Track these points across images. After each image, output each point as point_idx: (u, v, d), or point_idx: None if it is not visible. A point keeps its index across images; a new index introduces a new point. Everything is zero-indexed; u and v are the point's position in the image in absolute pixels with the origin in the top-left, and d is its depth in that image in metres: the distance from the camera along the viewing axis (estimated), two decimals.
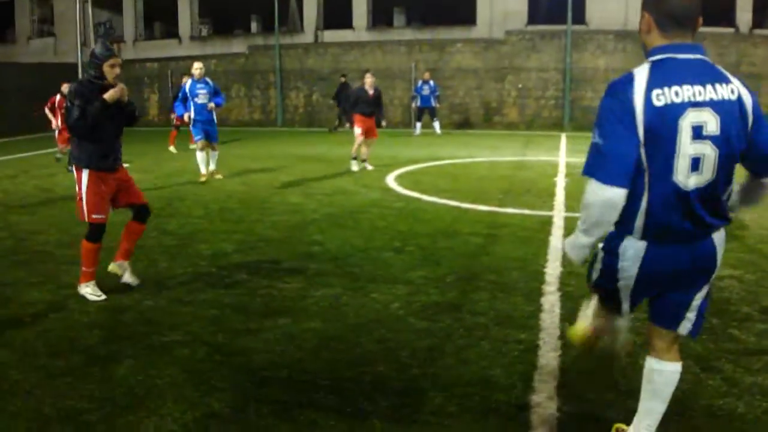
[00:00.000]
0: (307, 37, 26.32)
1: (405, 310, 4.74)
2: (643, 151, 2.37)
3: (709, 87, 2.38)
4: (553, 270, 5.60)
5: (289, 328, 4.43)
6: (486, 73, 22.26)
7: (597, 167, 2.40)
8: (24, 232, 7.43)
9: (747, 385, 3.70)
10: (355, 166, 11.90)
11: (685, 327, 2.75)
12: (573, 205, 8.55)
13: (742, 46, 21.34)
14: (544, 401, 3.45)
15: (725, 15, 22.43)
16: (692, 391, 3.62)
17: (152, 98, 27.05)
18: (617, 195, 2.38)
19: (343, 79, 21.50)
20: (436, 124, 20.10)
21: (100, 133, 5.04)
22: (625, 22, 22.86)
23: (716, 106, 2.37)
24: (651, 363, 2.84)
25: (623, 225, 2.53)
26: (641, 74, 2.40)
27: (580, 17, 22.63)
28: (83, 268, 5.17)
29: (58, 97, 12.93)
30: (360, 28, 25.72)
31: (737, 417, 3.36)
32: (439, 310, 4.75)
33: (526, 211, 8.15)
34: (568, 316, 4.59)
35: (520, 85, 22.14)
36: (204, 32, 29.17)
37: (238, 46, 26.80)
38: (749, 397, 3.55)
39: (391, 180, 10.53)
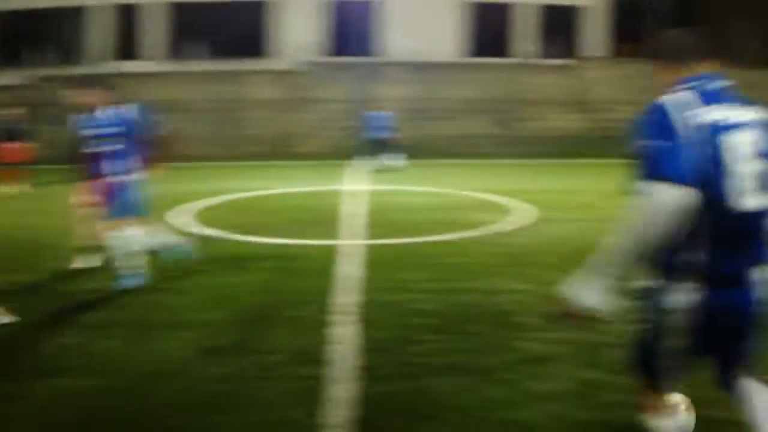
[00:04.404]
0: (101, 67, 24.96)
1: (197, 357, 4.51)
2: (705, 169, 2.31)
3: (743, 108, 2.44)
4: (345, 300, 5.61)
5: (65, 386, 4.04)
6: (283, 104, 22.31)
7: (658, 167, 2.29)
8: None
9: (531, 392, 3.90)
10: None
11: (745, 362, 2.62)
12: (366, 233, 8.76)
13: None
14: None
15: (510, 47, 24.26)
16: (481, 406, 3.75)
17: None
18: (688, 195, 2.26)
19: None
20: (388, 156, 18.19)
21: None
22: (421, 53, 23.98)
23: (756, 125, 2.43)
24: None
25: (675, 264, 2.42)
26: (671, 99, 2.40)
27: (376, 48, 23.43)
28: None
29: None
30: (156, 59, 24.85)
31: (524, 425, 3.52)
32: (234, 352, 4.57)
33: (321, 242, 8.16)
34: (361, 346, 4.62)
35: (316, 116, 22.42)
36: None
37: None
38: (535, 405, 3.74)
39: (174, 217, 10.09)
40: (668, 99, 2.41)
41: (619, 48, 25.33)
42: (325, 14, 24.36)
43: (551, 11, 25.50)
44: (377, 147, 18.02)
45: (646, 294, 2.58)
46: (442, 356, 4.46)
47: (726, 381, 2.64)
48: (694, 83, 2.47)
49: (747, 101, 2.51)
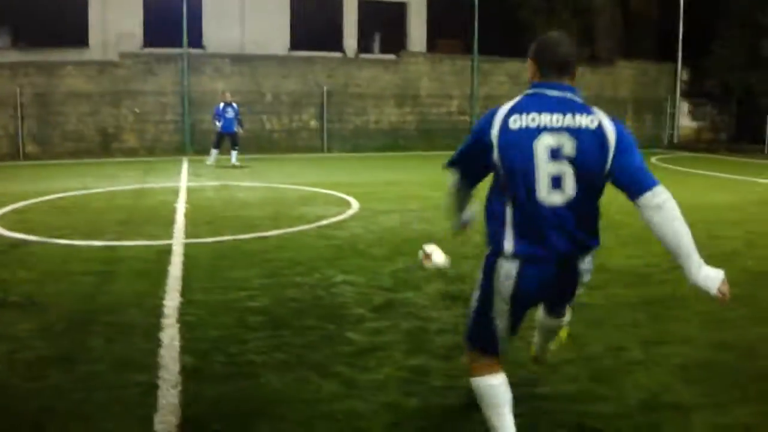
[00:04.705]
0: None
1: (9, 372, 4.16)
2: (504, 169, 2.73)
3: (569, 116, 2.69)
4: (171, 302, 5.41)
5: None
6: (101, 97, 21.12)
7: (451, 160, 3.03)
8: None
9: (364, 383, 3.96)
10: None
11: (566, 313, 3.46)
12: (193, 231, 8.49)
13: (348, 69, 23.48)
14: None
15: (335, 41, 24.49)
16: (313, 399, 3.77)
17: None
18: (455, 180, 3.04)
19: None
20: (235, 154, 17.39)
21: None
22: (241, 46, 23.55)
23: (573, 131, 2.67)
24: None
25: (500, 247, 2.80)
26: (509, 103, 2.79)
27: (197, 41, 22.73)
28: None
29: None
30: None
31: (357, 416, 3.57)
32: (49, 364, 4.25)
33: (146, 242, 7.81)
34: (189, 347, 4.49)
35: (137, 110, 21.45)
36: None
37: None
38: (367, 395, 3.80)
39: None
40: (504, 105, 2.81)
41: (439, 44, 26.32)
42: (145, 3, 23.32)
43: (376, 6, 25.99)
44: (226, 140, 17.50)
45: (484, 263, 2.94)
46: (273, 353, 4.42)
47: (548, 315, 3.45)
48: (536, 89, 2.81)
49: (586, 109, 2.74)
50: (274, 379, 4.01)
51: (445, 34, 26.41)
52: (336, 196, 11.63)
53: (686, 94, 27.69)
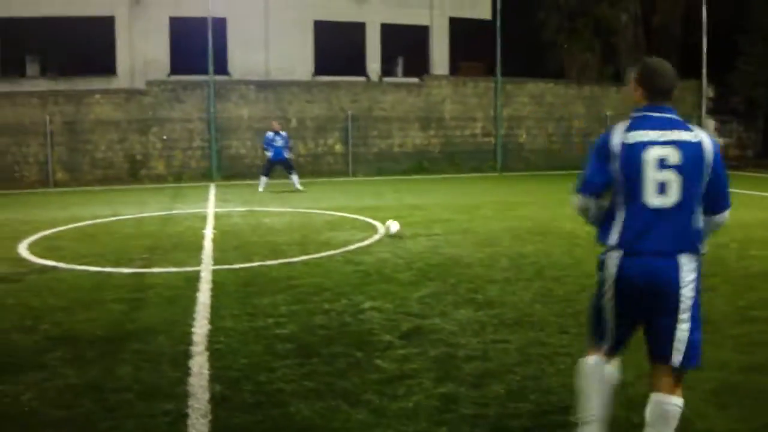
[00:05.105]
0: None
1: (39, 400, 4.19)
2: (621, 177, 3.15)
3: (674, 132, 3.14)
4: (200, 329, 5.43)
5: None
6: (128, 125, 21.46)
7: (578, 184, 3.32)
8: None
9: (393, 412, 3.93)
10: None
11: (675, 358, 3.21)
12: (221, 258, 8.53)
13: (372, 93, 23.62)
14: None
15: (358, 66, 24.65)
16: (343, 428, 3.74)
17: None
18: (587, 201, 3.28)
19: None
20: (295, 178, 17.72)
21: None
22: (266, 72, 23.82)
23: (678, 144, 3.11)
24: (651, 397, 3.26)
25: (607, 240, 3.22)
26: (622, 124, 3.24)
27: (222, 67, 23.03)
28: None
29: None
30: None
31: None
32: (79, 392, 4.28)
33: (174, 269, 7.87)
34: (218, 376, 4.50)
35: (165, 137, 21.73)
36: None
37: None
38: (397, 424, 3.77)
39: (23, 248, 9.48)
40: (617, 125, 3.27)
41: (462, 67, 26.40)
42: (171, 32, 23.71)
43: (398, 30, 26.17)
44: (277, 168, 17.75)
45: (599, 263, 3.32)
46: (302, 381, 4.41)
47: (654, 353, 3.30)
48: (644, 112, 3.23)
49: (688, 127, 3.18)
50: (304, 408, 3.99)
51: (468, 56, 26.49)
52: (362, 220, 11.64)
53: (712, 111, 27.42)
